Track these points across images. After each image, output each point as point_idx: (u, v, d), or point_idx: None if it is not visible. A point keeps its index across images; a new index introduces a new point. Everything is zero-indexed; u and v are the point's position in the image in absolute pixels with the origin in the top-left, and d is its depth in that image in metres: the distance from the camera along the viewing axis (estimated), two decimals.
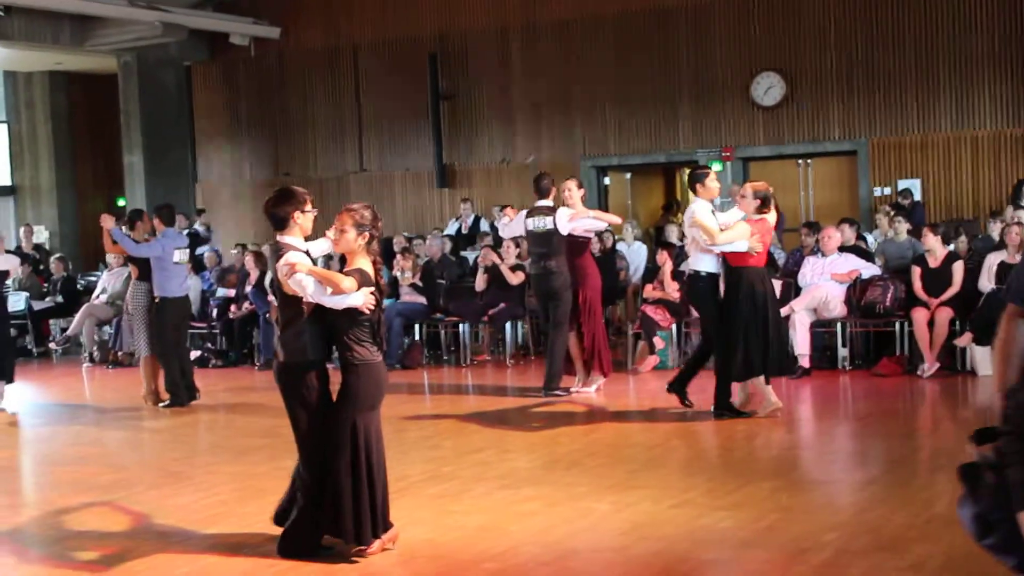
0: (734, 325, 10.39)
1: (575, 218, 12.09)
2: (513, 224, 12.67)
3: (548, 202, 12.25)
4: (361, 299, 6.50)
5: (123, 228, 12.93)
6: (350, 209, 6.72)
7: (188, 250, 12.90)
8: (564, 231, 12.06)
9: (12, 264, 14.38)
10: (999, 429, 3.19)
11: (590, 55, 20.97)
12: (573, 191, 12.25)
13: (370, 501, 6.60)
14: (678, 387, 11.07)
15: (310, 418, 6.64)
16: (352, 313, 6.53)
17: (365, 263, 6.64)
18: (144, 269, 12.74)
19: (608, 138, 21.12)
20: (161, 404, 12.70)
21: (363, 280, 6.54)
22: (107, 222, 12.68)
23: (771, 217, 10.78)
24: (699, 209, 10.56)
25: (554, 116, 21.43)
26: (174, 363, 12.74)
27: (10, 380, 13.32)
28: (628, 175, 22.37)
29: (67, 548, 7.18)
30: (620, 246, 17.16)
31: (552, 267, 12.07)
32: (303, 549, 6.68)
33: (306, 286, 6.48)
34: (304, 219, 6.79)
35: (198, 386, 13.04)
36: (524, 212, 12.50)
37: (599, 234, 14.88)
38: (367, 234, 6.65)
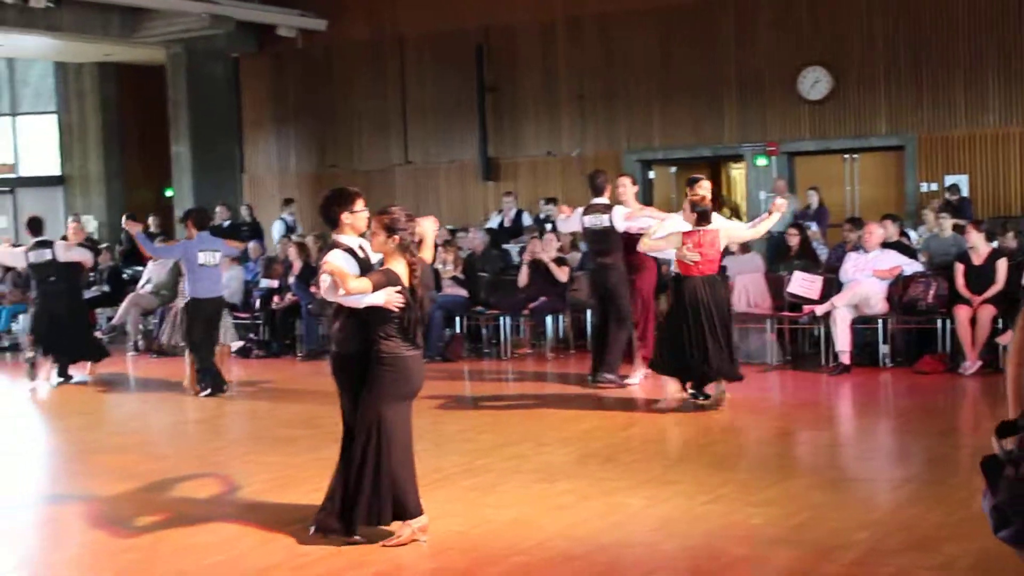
0: (668, 325, 10.99)
1: (631, 217, 12.16)
2: (570, 220, 12.72)
3: (603, 199, 12.27)
4: (382, 298, 6.60)
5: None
6: (381, 212, 6.82)
7: (218, 251, 13.06)
8: (620, 229, 12.12)
9: (84, 256, 14.62)
10: (1020, 423, 3.19)
11: (635, 48, 20.93)
12: (627, 188, 12.41)
13: (375, 490, 6.72)
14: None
15: (352, 405, 6.86)
16: (380, 309, 6.66)
17: (398, 264, 6.73)
18: None
19: (653, 132, 21.08)
20: (202, 394, 12.82)
21: (385, 280, 6.64)
22: (132, 228, 13.45)
23: (722, 225, 11.04)
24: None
25: (598, 109, 21.41)
26: (207, 355, 12.97)
27: (96, 359, 14.60)
28: (673, 169, 22.31)
29: (103, 535, 7.26)
30: None
31: (608, 263, 12.13)
32: (340, 528, 6.85)
33: (323, 283, 6.70)
34: (353, 219, 6.99)
35: (228, 379, 13.27)
36: (580, 209, 12.51)
37: None
38: (398, 236, 6.71)
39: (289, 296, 16.24)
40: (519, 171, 22.26)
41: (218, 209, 21.20)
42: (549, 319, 15.38)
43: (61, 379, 14.46)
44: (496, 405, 11.81)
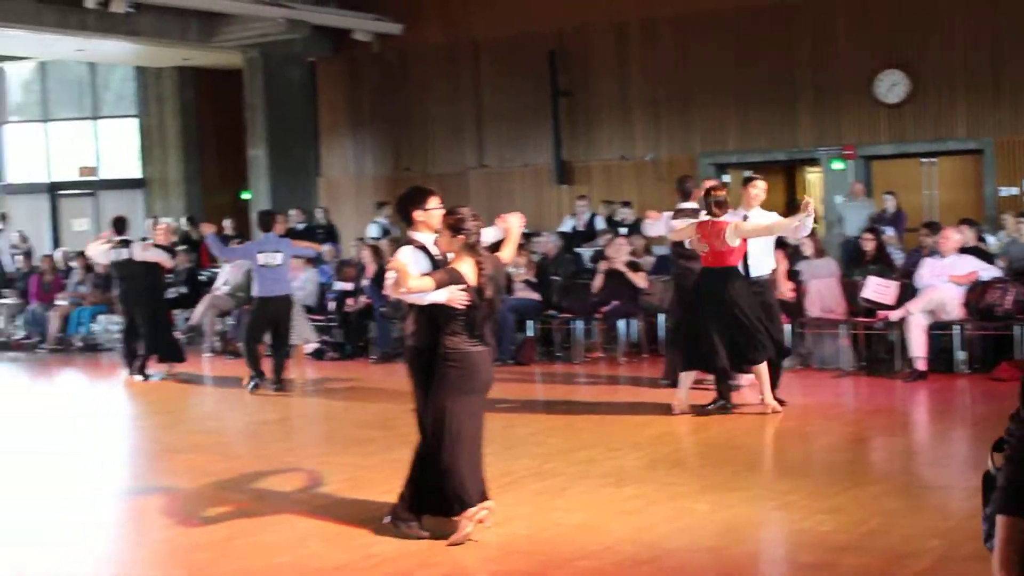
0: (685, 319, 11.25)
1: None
2: (658, 224, 12.66)
3: (692, 204, 12.11)
4: (444, 296, 6.77)
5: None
6: (448, 212, 6.99)
7: (279, 252, 13.44)
8: None
9: (160, 257, 14.93)
10: (1004, 440, 3.23)
11: (709, 51, 20.83)
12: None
13: (437, 481, 6.90)
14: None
15: (423, 399, 7.07)
16: (445, 306, 6.83)
17: (464, 263, 6.88)
18: None
19: (727, 135, 20.97)
20: (250, 386, 13.33)
21: (448, 279, 6.78)
22: (206, 229, 14.21)
23: (729, 218, 10.72)
24: None
25: (673, 113, 21.34)
26: (254, 350, 13.54)
27: (173, 360, 15.01)
28: (747, 173, 22.09)
29: (177, 533, 7.38)
30: None
31: (695, 268, 11.99)
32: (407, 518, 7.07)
33: (387, 280, 6.98)
34: (427, 216, 7.14)
35: (293, 378, 13.81)
36: (668, 213, 12.44)
37: None
38: (463, 236, 6.80)
39: (363, 299, 16.35)
40: (592, 175, 22.24)
41: (292, 212, 21.41)
42: (622, 323, 15.35)
43: (140, 377, 14.77)
44: (567, 409, 11.82)
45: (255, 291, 13.55)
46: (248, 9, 21.70)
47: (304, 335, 14.20)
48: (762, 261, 11.02)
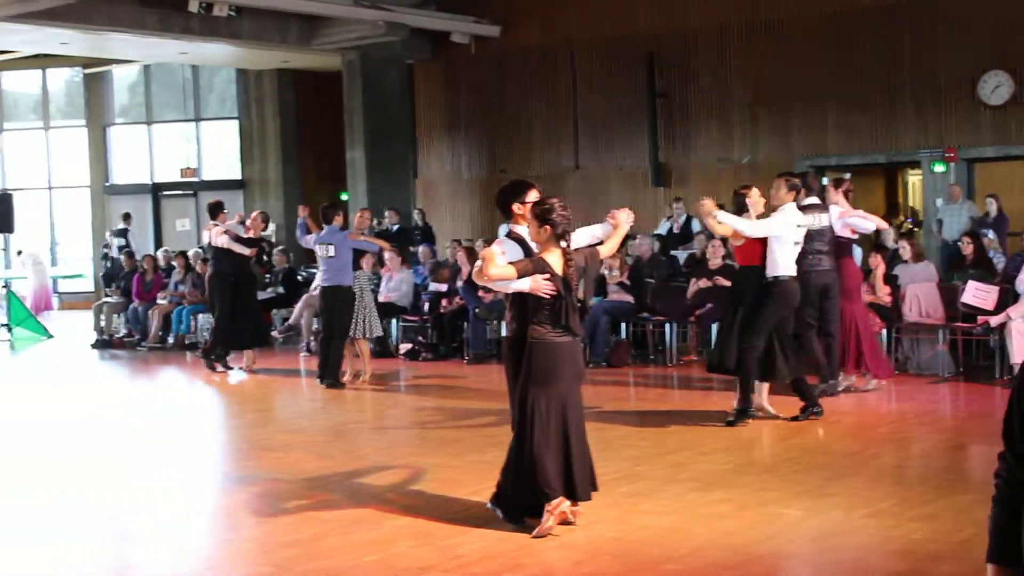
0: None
1: (844, 216, 11.88)
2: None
3: (815, 199, 11.65)
4: (527, 285, 6.87)
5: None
6: (535, 203, 7.09)
7: (331, 244, 13.81)
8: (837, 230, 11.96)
9: (238, 248, 15.29)
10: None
11: (809, 52, 20.60)
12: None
13: (519, 471, 7.00)
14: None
15: (513, 389, 7.22)
16: (532, 296, 6.92)
17: (552, 253, 6.95)
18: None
19: (826, 137, 20.74)
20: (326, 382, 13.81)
21: (532, 268, 6.88)
22: (302, 211, 14.78)
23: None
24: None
25: (771, 114, 21.15)
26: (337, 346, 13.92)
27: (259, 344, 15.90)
28: (847, 176, 21.89)
29: (267, 530, 7.46)
30: None
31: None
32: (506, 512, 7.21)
33: (475, 268, 7.09)
34: (524, 209, 7.26)
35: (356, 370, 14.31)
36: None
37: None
38: (548, 226, 6.83)
39: (457, 300, 16.42)
40: (689, 177, 22.12)
41: (387, 213, 21.58)
42: (715, 326, 15.21)
43: (223, 369, 15.47)
44: (659, 412, 11.77)
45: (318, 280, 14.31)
46: (348, 12, 21.90)
47: (365, 328, 14.23)
48: (774, 261, 10.56)
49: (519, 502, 7.12)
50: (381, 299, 17.06)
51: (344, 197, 24.82)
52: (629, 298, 15.58)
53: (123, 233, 24.68)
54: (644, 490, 8.22)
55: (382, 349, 16.73)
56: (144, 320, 19.12)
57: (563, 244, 6.97)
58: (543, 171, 23.49)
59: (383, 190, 23.55)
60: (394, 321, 17.15)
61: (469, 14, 23.61)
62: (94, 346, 19.20)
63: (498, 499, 7.27)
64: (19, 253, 25.31)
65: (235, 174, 28.23)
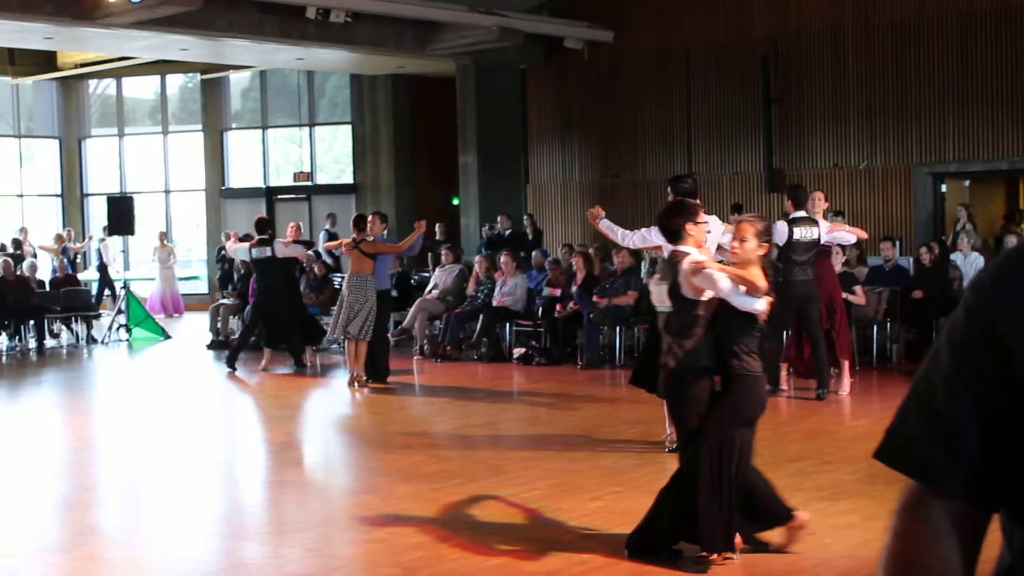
0: None
1: (832, 231, 12.76)
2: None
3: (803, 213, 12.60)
4: (763, 306, 6.50)
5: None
6: (751, 220, 6.82)
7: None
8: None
9: (299, 252, 16.60)
10: None
11: (929, 56, 20.24)
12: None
13: (726, 512, 6.50)
14: None
15: (699, 423, 6.66)
16: (746, 321, 6.53)
17: (756, 274, 6.53)
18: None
19: (946, 144, 20.34)
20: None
21: (759, 288, 6.49)
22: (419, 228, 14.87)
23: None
24: None
25: (888, 120, 20.81)
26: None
27: (311, 342, 16.80)
28: (966, 183, 21.51)
29: (392, 532, 7.49)
30: (955, 256, 16.57)
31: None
32: (648, 546, 6.75)
33: (717, 280, 6.51)
34: (696, 230, 7.06)
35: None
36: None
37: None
38: (766, 245, 6.70)
39: (571, 305, 16.39)
40: (804, 183, 21.75)
41: (499, 219, 21.64)
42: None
43: (298, 369, 16.23)
44: (777, 420, 11.62)
45: None
46: (463, 18, 21.99)
47: (355, 331, 14.37)
48: None
49: (702, 541, 6.54)
50: (495, 303, 17.14)
51: (456, 202, 24.94)
52: None
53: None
54: None
55: (495, 353, 16.81)
56: None
57: (769, 266, 6.64)
58: (654, 176, 23.36)
59: (494, 194, 23.59)
60: (507, 325, 17.18)
61: (582, 19, 23.58)
62: (210, 347, 19.47)
63: (639, 545, 6.77)
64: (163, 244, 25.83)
65: (347, 178, 28.49)
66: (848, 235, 13.06)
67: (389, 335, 18.51)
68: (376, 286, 14.32)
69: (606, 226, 10.92)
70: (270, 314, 16.07)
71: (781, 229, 12.26)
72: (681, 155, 23.25)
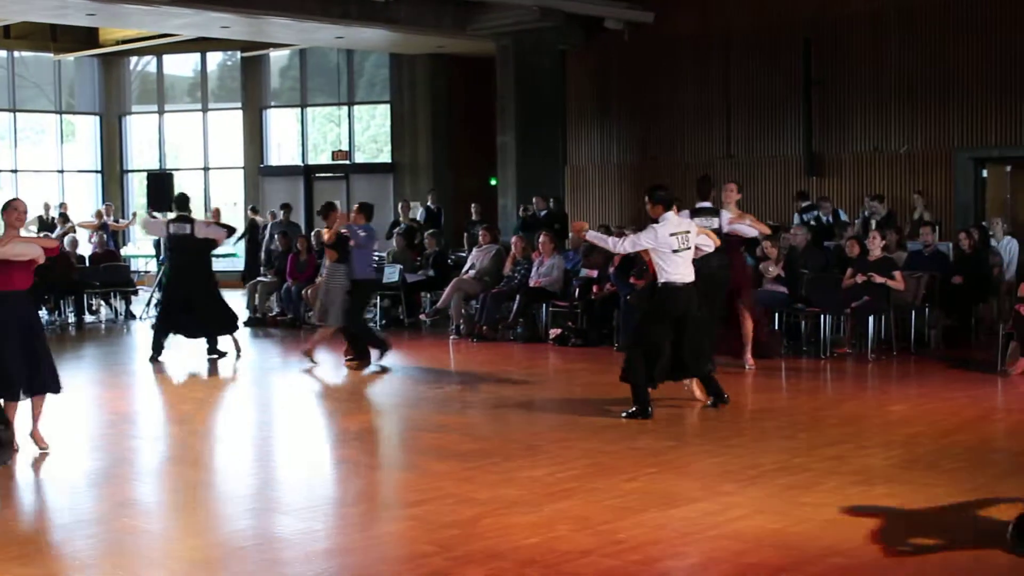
0: None
1: (733, 222, 12.96)
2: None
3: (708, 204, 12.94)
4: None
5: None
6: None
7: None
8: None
9: (219, 233, 15.81)
10: None
11: (972, 38, 20.05)
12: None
13: None
14: None
15: None
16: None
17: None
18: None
19: (988, 128, 20.16)
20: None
21: None
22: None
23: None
24: None
25: (930, 103, 20.64)
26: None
27: (226, 331, 15.79)
28: (1008, 168, 21.32)
29: (426, 509, 7.50)
30: (992, 241, 16.45)
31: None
32: None
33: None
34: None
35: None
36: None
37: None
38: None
39: (608, 286, 16.36)
40: (844, 167, 21.74)
41: (535, 200, 21.62)
42: (871, 319, 14.93)
43: (212, 355, 15.58)
44: (814, 404, 11.60)
45: None
46: None
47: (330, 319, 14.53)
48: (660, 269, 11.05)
49: None
50: (532, 284, 17.14)
51: (493, 182, 24.93)
52: (783, 288, 15.37)
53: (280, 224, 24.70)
54: (803, 482, 8.08)
55: (531, 334, 16.82)
56: (297, 300, 19.42)
57: None
58: (693, 159, 23.31)
59: (532, 175, 23.55)
60: (544, 306, 17.17)
61: (623, 0, 23.48)
62: (247, 324, 19.54)
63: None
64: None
65: (385, 157, 28.54)
66: (748, 228, 13.21)
67: (424, 315, 18.59)
68: (354, 274, 14.32)
69: (594, 237, 11.43)
70: (187, 301, 15.36)
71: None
72: (721, 137, 23.17)
